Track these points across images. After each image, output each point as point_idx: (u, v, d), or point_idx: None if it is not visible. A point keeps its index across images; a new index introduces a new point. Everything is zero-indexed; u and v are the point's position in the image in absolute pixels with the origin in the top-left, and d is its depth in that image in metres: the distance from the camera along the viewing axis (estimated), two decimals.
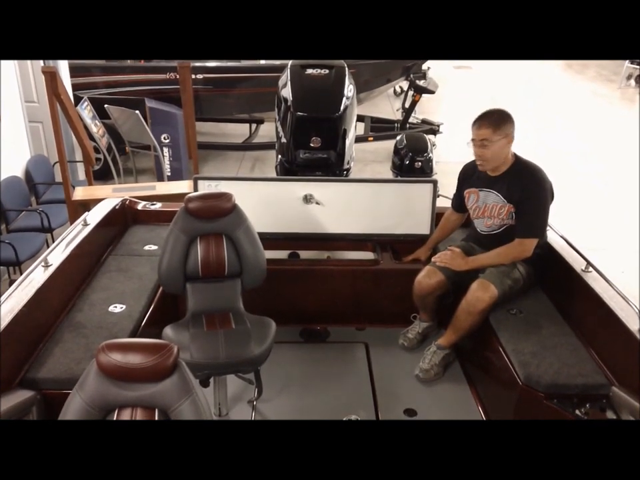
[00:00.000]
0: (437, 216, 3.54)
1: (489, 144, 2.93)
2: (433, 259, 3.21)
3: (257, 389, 2.88)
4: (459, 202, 3.32)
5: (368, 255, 3.67)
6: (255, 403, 2.96)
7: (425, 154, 4.56)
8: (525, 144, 8.24)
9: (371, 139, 7.50)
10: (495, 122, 2.92)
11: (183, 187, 4.93)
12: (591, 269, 2.90)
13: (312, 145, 4.55)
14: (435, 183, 3.54)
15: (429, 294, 3.22)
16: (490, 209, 3.06)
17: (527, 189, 2.95)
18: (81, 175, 6.25)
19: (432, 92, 7.77)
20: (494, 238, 3.08)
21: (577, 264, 2.96)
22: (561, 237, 3.22)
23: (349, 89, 4.97)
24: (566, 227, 3.40)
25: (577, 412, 2.38)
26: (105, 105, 6.35)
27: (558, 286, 3.07)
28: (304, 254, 3.73)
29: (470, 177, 3.18)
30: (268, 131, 7.68)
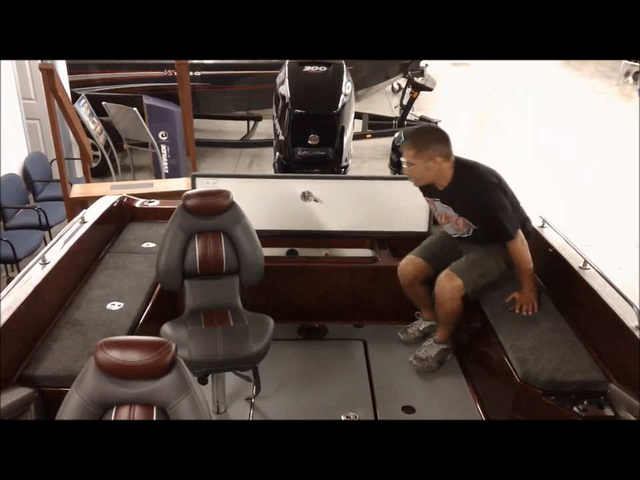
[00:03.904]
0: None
1: (411, 166, 2.88)
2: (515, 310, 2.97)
3: (255, 386, 2.89)
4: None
5: (366, 252, 3.67)
6: (253, 400, 2.96)
7: None
8: (525, 143, 8.29)
9: (369, 136, 7.50)
10: (417, 146, 2.85)
11: (180, 184, 4.92)
12: (588, 266, 2.90)
13: (310, 142, 4.55)
14: None
15: (413, 280, 3.23)
16: (450, 218, 3.05)
17: (475, 203, 2.89)
18: (79, 173, 6.24)
19: (430, 89, 7.76)
20: (467, 240, 3.07)
21: (575, 261, 2.96)
22: (559, 234, 3.22)
23: (347, 86, 4.97)
24: (564, 224, 3.40)
25: (575, 409, 2.38)
26: (103, 102, 6.33)
27: (556, 283, 3.08)
28: (302, 251, 3.73)
29: (427, 186, 3.06)
30: (266, 128, 7.67)
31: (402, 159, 2.95)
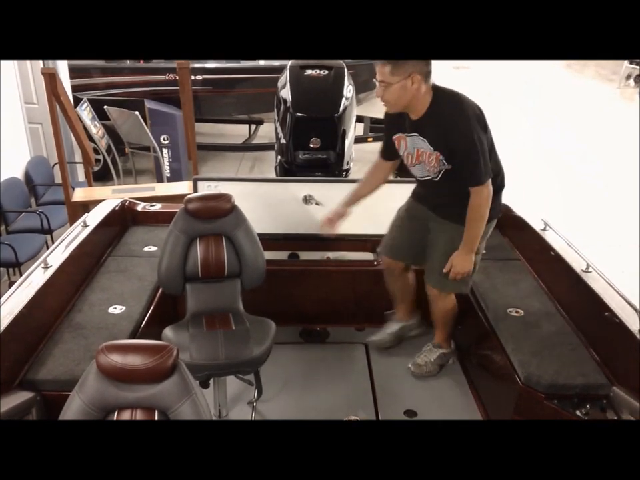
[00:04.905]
0: None
1: (387, 86, 2.56)
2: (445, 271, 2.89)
3: (256, 390, 2.88)
4: (388, 148, 2.95)
5: (367, 256, 3.66)
6: (254, 403, 2.96)
7: None
8: (525, 143, 8.28)
9: (371, 139, 7.48)
10: (393, 60, 2.51)
11: (182, 188, 4.92)
12: (591, 269, 2.89)
13: (311, 145, 4.56)
14: None
15: (397, 278, 3.22)
16: (422, 155, 2.72)
17: (450, 138, 2.59)
18: (81, 176, 6.25)
19: None
20: (436, 183, 2.79)
21: (577, 264, 2.96)
22: (561, 237, 3.22)
23: (348, 89, 4.98)
24: (564, 224, 3.40)
25: (577, 412, 2.38)
26: (105, 106, 6.36)
27: (558, 286, 3.07)
28: (303, 254, 3.73)
29: (396, 120, 2.78)
30: (267, 131, 7.67)
31: (375, 81, 2.61)
